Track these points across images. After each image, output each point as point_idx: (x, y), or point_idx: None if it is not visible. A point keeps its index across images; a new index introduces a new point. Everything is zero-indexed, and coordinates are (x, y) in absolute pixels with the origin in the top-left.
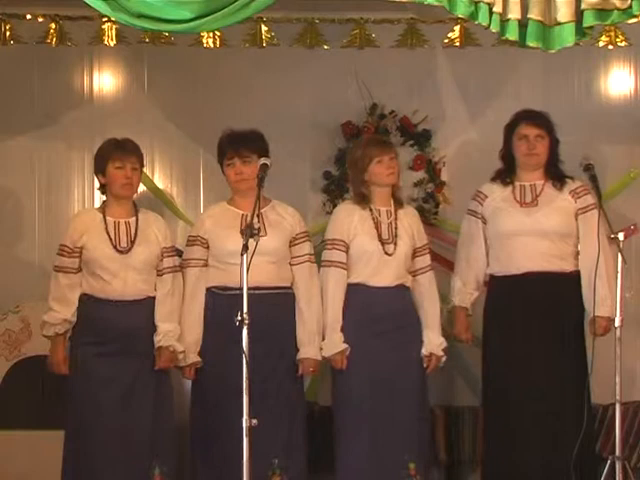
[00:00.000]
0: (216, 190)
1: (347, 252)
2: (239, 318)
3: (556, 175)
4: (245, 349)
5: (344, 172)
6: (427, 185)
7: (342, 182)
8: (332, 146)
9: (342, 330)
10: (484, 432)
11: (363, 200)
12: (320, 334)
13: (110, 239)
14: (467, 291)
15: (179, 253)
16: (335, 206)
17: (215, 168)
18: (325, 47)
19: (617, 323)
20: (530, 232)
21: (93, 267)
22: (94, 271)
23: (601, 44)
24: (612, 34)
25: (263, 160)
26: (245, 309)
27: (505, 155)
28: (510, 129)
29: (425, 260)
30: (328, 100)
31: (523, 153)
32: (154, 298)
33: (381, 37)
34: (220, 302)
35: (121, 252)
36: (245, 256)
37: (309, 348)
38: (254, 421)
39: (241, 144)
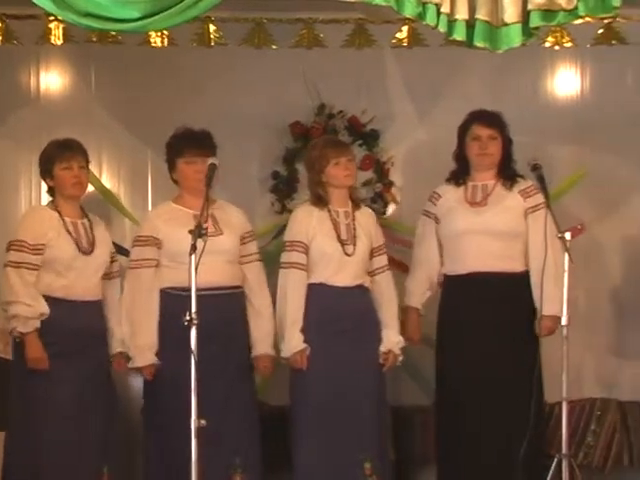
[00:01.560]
0: (164, 190)
1: (307, 253)
2: (187, 318)
3: (508, 175)
4: (194, 349)
5: (292, 172)
6: (375, 185)
7: (291, 182)
8: (280, 146)
9: (302, 330)
10: (437, 431)
11: (320, 201)
12: (273, 332)
13: (73, 239)
14: (419, 291)
15: (124, 252)
16: (284, 206)
17: (164, 168)
18: (273, 47)
19: (564, 322)
20: (480, 232)
21: (57, 266)
22: (59, 270)
23: (547, 45)
24: (558, 35)
25: (211, 160)
26: (194, 309)
27: (459, 156)
28: (463, 130)
29: (382, 260)
30: (276, 100)
31: (476, 153)
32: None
33: (329, 37)
34: (176, 303)
35: (84, 253)
36: (194, 256)
37: (263, 345)
38: (202, 421)
39: (201, 142)
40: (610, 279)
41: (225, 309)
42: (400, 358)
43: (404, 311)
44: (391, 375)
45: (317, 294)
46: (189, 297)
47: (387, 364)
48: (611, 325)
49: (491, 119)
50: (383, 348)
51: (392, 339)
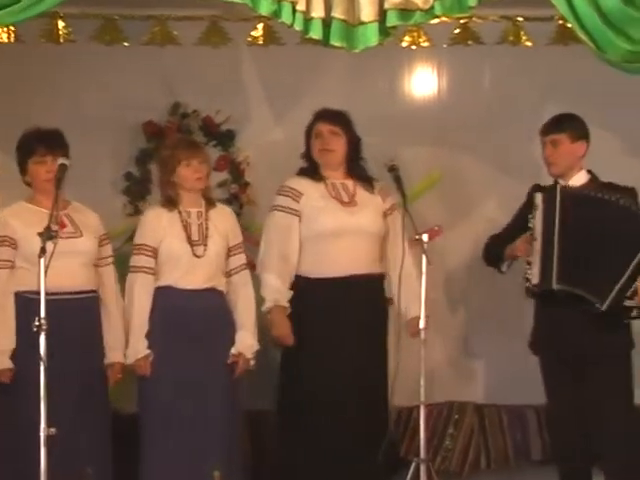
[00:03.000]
0: (14, 190)
1: (155, 257)
2: (36, 324)
3: (361, 175)
4: (43, 356)
5: (145, 173)
6: (231, 186)
7: (144, 183)
8: (133, 146)
9: (148, 335)
10: (284, 438)
11: (171, 203)
12: (125, 338)
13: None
14: (285, 289)
15: None
16: (137, 208)
17: (13, 168)
18: (125, 44)
19: (422, 325)
20: (352, 233)
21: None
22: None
23: (404, 44)
24: (415, 34)
25: (61, 160)
26: (43, 314)
27: (306, 155)
28: (309, 129)
29: (240, 259)
30: (129, 99)
31: (318, 149)
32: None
33: (183, 34)
34: (30, 306)
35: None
36: (43, 259)
37: (116, 352)
38: (52, 430)
39: (51, 141)
40: (464, 281)
41: (80, 314)
42: (252, 363)
43: (272, 311)
44: (257, 380)
45: (164, 297)
46: (48, 301)
47: (238, 368)
48: (466, 327)
49: (334, 116)
50: (234, 350)
51: (245, 341)
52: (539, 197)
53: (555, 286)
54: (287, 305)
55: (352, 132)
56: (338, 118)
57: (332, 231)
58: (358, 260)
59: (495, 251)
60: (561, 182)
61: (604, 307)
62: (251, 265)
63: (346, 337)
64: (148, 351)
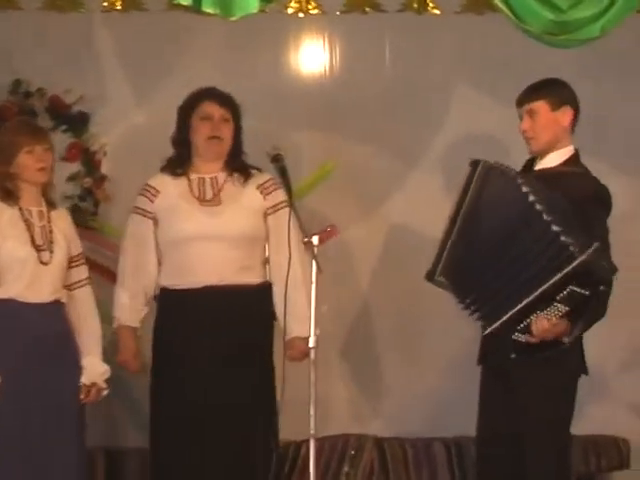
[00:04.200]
0: None
1: None
2: None
3: (239, 166)
4: None
5: None
6: (84, 180)
7: None
8: None
9: None
10: (152, 476)
11: (10, 197)
12: None
13: None
14: (135, 306)
15: None
16: None
17: None
18: None
19: (311, 343)
20: (214, 237)
21: None
22: None
23: (290, 11)
24: (303, 0)
25: None
26: None
27: (180, 140)
28: (188, 109)
29: (82, 271)
30: None
31: (205, 136)
32: None
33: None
34: None
35: None
36: None
37: None
38: None
39: None
40: (366, 292)
41: None
42: (105, 392)
43: (117, 331)
44: (106, 412)
45: (6, 313)
46: None
47: (89, 398)
48: (367, 349)
49: (225, 98)
50: (85, 380)
51: (96, 369)
52: (466, 172)
53: (437, 277)
54: (135, 325)
55: (239, 119)
56: (229, 101)
57: (187, 235)
58: (220, 268)
59: None
60: (537, 162)
61: (488, 331)
62: (105, 273)
63: (210, 361)
64: None
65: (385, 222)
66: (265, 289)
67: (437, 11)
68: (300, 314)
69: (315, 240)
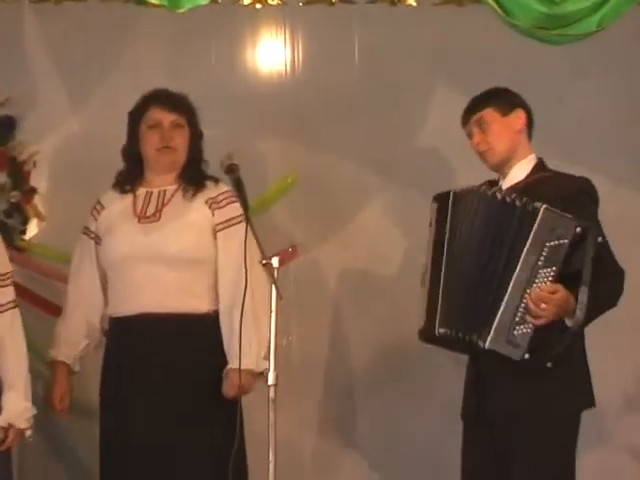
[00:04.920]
0: None
1: None
2: None
3: (194, 178)
4: None
5: None
6: (11, 193)
7: None
8: None
9: None
10: None
11: None
12: None
13: None
14: (72, 339)
15: None
16: None
17: None
18: None
19: (270, 380)
20: (149, 257)
21: None
22: None
23: (246, 2)
24: None
25: None
26: None
27: (130, 152)
28: (137, 116)
29: (7, 293)
30: None
31: (155, 147)
32: None
33: None
34: None
35: None
36: None
37: None
38: None
39: None
40: (336, 321)
41: None
42: (28, 433)
43: (50, 366)
44: (38, 458)
45: None
46: None
47: (8, 442)
48: (337, 388)
49: (176, 101)
50: (2, 421)
51: (14, 407)
52: (432, 209)
53: (438, 330)
54: (68, 361)
55: (196, 124)
56: (182, 104)
57: (121, 256)
58: (158, 294)
59: None
60: (502, 182)
61: (487, 344)
62: (34, 300)
63: (153, 396)
64: None
65: (355, 240)
66: (213, 319)
67: (413, 2)
68: (246, 344)
69: (275, 262)
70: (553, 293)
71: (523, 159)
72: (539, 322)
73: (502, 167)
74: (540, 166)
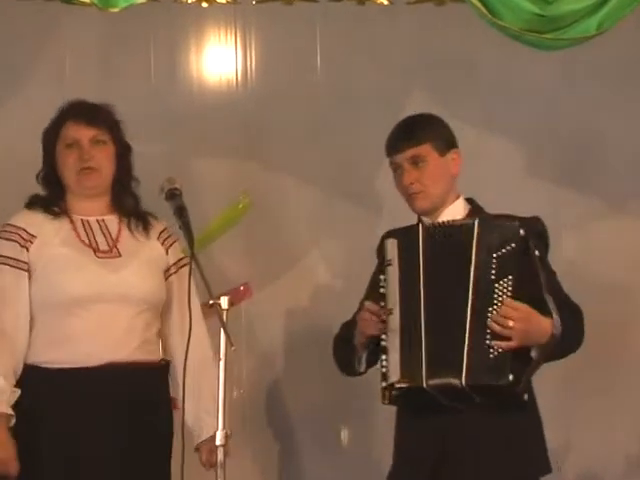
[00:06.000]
0: None
1: None
2: None
3: (130, 206)
4: None
5: None
6: None
7: None
8: None
9: None
10: None
11: None
12: None
13: None
14: (7, 388)
15: None
16: None
17: None
18: None
19: (219, 440)
20: (112, 299)
21: None
22: None
23: (191, 0)
24: None
25: None
26: None
27: (46, 177)
28: (52, 133)
29: None
30: None
31: (74, 169)
32: None
33: None
34: None
35: None
36: None
37: None
38: None
39: None
40: (292, 371)
41: None
42: None
43: None
44: None
45: None
46: None
47: None
48: (291, 447)
49: (94, 113)
50: None
51: None
52: (392, 245)
53: (426, 383)
54: (8, 412)
55: (122, 139)
56: (102, 117)
57: (81, 297)
58: (124, 340)
59: (346, 345)
60: (426, 220)
61: (463, 381)
62: None
63: (97, 463)
64: None
65: (314, 276)
66: (163, 369)
67: (385, 0)
68: (211, 407)
69: (224, 302)
70: (515, 309)
71: (451, 203)
72: (511, 345)
73: (431, 213)
74: (476, 209)
